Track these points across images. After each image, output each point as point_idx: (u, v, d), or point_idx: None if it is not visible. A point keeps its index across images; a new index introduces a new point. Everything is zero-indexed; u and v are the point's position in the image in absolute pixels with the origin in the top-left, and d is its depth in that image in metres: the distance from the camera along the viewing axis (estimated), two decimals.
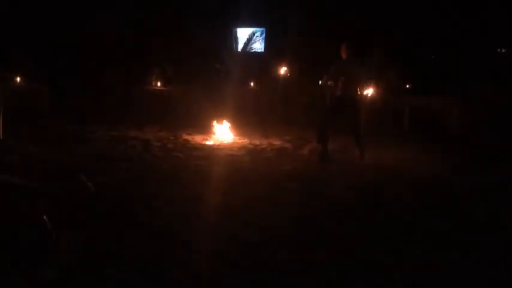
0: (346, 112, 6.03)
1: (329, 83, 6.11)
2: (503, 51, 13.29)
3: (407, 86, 10.72)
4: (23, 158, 5.41)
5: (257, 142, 7.27)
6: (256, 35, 11.89)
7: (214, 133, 7.59)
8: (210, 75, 11.23)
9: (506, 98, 8.40)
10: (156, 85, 10.94)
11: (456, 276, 2.86)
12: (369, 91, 6.51)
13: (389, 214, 4.00)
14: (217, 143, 7.20)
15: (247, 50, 11.01)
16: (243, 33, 12.27)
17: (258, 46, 13.02)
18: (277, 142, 7.32)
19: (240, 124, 7.84)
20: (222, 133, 7.56)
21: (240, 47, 12.09)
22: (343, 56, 6.07)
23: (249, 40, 10.95)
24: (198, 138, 7.45)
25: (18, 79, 9.22)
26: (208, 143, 7.19)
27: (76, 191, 2.35)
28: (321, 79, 6.27)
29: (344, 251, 3.18)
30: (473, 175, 5.66)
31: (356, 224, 3.75)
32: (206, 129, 7.75)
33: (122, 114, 9.20)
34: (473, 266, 3.00)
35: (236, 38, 12.28)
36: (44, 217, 2.04)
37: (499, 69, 11.21)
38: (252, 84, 11.45)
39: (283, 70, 10.82)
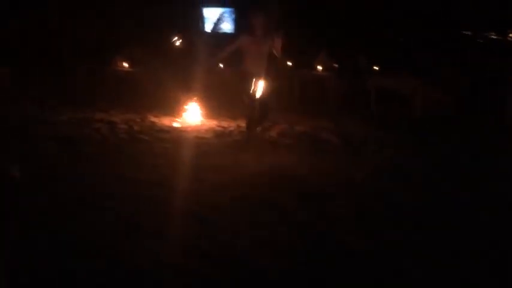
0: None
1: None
2: (468, 33, 13.54)
3: (375, 68, 10.81)
4: None
5: (225, 124, 7.21)
6: (225, 15, 11.72)
7: (181, 115, 7.49)
8: (178, 55, 11.02)
9: (469, 80, 8.61)
10: (123, 66, 10.67)
11: None
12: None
13: (359, 196, 4.06)
14: (184, 125, 7.11)
15: (216, 30, 10.84)
16: (211, 13, 12.09)
17: (227, 26, 12.84)
18: (245, 124, 7.25)
19: (208, 105, 7.75)
20: (190, 115, 7.47)
21: (208, 27, 11.91)
22: (257, 30, 5.59)
23: (218, 20, 10.77)
24: (165, 120, 7.34)
25: None
26: (175, 125, 7.09)
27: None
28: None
29: (314, 234, 3.21)
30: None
31: (324, 205, 3.78)
32: (174, 111, 7.64)
33: (88, 97, 8.98)
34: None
35: (203, 18, 12.08)
36: None
37: (464, 51, 11.44)
38: (221, 65, 11.31)
39: None
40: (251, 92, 5.68)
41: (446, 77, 8.45)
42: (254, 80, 5.65)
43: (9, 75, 9.07)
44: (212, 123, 7.28)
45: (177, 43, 8.92)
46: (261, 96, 5.70)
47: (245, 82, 5.71)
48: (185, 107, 7.50)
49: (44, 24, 10.87)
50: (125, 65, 10.51)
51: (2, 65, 9.10)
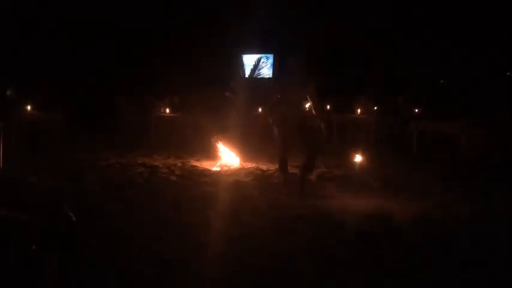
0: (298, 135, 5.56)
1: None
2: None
3: (416, 111, 10.68)
4: (15, 187, 5.31)
5: (264, 168, 7.23)
6: (262, 60, 11.95)
7: (221, 159, 7.57)
8: (219, 102, 11.26)
9: None
10: (165, 112, 11.01)
11: None
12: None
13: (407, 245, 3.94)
14: (224, 168, 7.17)
15: (255, 76, 11.02)
16: (250, 60, 12.37)
17: (266, 72, 13.10)
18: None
19: (248, 149, 7.82)
20: (230, 159, 7.54)
21: (247, 73, 12.18)
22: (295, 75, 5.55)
23: (256, 66, 10.97)
24: (205, 164, 7.44)
25: (29, 107, 9.33)
26: (215, 169, 7.17)
27: (57, 222, 2.29)
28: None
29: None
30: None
31: (363, 248, 3.68)
32: (214, 155, 7.74)
33: (132, 142, 9.29)
34: None
35: (243, 65, 12.36)
36: (34, 247, 1.98)
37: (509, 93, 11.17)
38: (259, 110, 11.46)
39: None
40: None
41: (502, 118, 8.11)
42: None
43: (62, 121, 9.55)
44: (251, 167, 7.31)
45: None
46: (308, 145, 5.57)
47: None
48: (223, 151, 7.60)
49: (98, 77, 11.51)
50: (167, 110, 10.85)
51: (56, 111, 9.57)
